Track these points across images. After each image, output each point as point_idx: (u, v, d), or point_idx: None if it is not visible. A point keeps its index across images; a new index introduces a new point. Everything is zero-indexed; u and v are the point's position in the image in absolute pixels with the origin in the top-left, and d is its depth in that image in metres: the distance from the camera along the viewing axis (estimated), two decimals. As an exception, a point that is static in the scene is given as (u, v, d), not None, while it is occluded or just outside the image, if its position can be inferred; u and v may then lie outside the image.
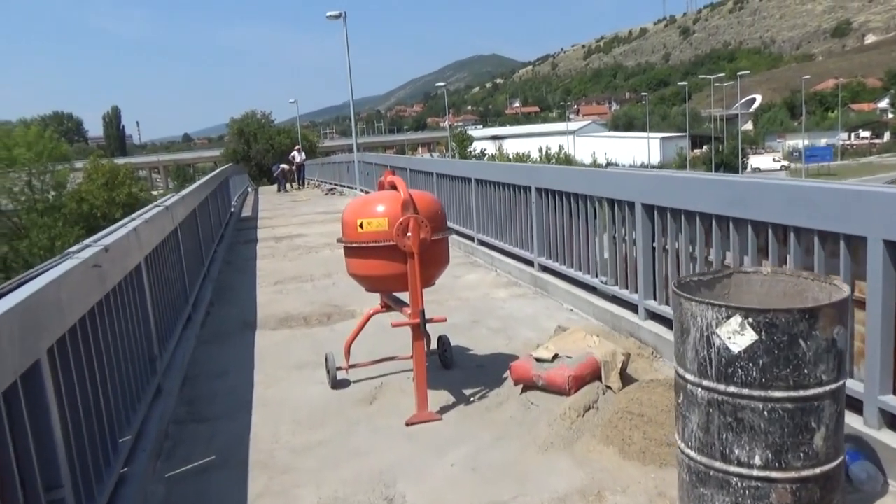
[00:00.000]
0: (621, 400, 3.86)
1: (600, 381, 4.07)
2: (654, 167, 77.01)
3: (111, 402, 3.34)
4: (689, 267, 4.67)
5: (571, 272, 6.49)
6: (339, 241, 4.43)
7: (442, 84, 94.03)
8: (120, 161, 59.41)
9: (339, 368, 4.84)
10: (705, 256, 4.52)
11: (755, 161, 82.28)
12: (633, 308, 5.41)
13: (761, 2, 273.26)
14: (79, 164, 47.43)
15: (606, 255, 5.82)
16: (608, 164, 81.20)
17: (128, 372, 3.74)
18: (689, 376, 2.73)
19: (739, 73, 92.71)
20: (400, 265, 4.14)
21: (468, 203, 9.34)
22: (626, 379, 4.17)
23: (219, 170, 18.14)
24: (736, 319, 2.54)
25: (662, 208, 4.91)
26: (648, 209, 5.07)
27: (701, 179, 4.56)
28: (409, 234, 4.08)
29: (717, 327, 2.59)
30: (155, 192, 57.12)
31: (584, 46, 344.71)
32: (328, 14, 23.63)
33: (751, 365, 2.54)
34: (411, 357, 4.36)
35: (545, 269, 7.10)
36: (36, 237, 38.70)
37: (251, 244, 12.59)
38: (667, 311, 4.94)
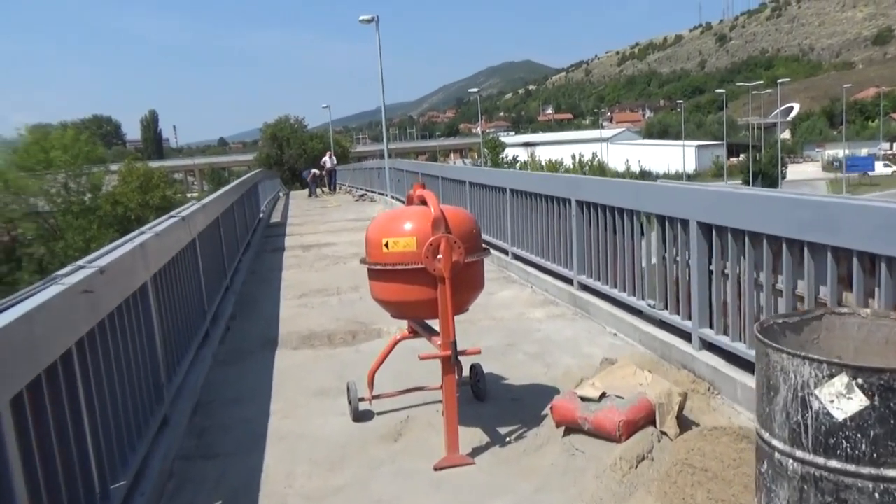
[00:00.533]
0: (680, 450, 3.38)
1: (654, 425, 3.60)
2: (689, 176, 75.73)
3: (102, 445, 2.95)
4: (752, 295, 4.17)
5: (615, 293, 6.01)
6: (362, 261, 4.02)
7: (475, 90, 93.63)
8: (155, 164, 59.90)
9: (361, 399, 4.42)
10: (773, 284, 4.02)
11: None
12: (685, 336, 4.92)
13: (800, 9, 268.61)
14: (114, 167, 47.84)
15: (653, 269, 5.34)
16: (642, 172, 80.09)
17: (126, 407, 3.36)
18: (776, 443, 2.26)
19: (780, 81, 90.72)
20: (429, 290, 3.70)
21: (503, 214, 8.89)
22: (682, 422, 3.69)
23: (247, 175, 17.91)
24: (841, 379, 2.07)
25: (722, 228, 4.41)
26: (705, 228, 4.59)
27: (770, 197, 4.06)
28: (439, 255, 3.65)
29: (815, 387, 2.12)
30: (190, 195, 57.43)
31: (618, 53, 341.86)
32: (361, 18, 23.35)
33: (859, 436, 2.06)
34: (441, 388, 3.93)
35: (585, 287, 6.63)
36: (71, 239, 38.99)
37: (278, 253, 12.27)
38: (725, 342, 4.45)
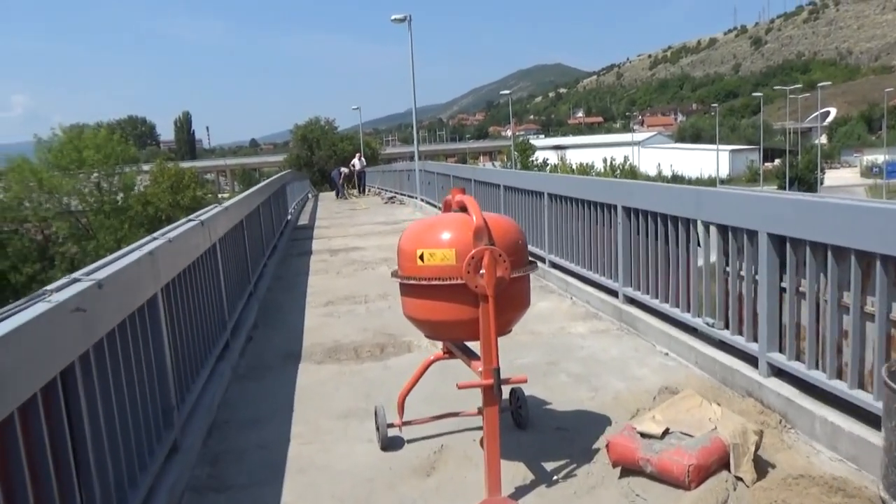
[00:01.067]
0: (761, 501, 2.91)
1: (727, 469, 3.12)
2: (722, 181, 74.35)
3: (95, 484, 2.57)
4: (835, 318, 3.68)
5: (666, 308, 5.53)
6: (394, 274, 3.60)
7: (507, 92, 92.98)
8: (187, 165, 60.18)
9: (390, 425, 4.00)
10: (861, 306, 3.52)
11: None
12: (749, 360, 4.42)
13: (838, 11, 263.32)
14: (146, 167, 48.11)
15: (705, 274, 4.85)
16: (674, 176, 78.90)
17: (126, 437, 2.97)
18: (916, 521, 1.79)
19: (820, 85, 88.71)
20: (469, 309, 3.27)
21: (539, 220, 8.43)
22: (758, 464, 3.22)
23: (275, 177, 17.61)
24: None
25: (799, 241, 3.92)
26: (777, 241, 4.10)
27: (863, 208, 3.57)
28: (482, 270, 3.21)
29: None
30: (222, 196, 57.59)
31: (650, 56, 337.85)
32: (393, 17, 23.03)
33: None
34: (479, 413, 3.50)
35: (632, 301, 6.14)
36: (103, 238, 39.24)
37: (304, 256, 11.92)
38: (799, 368, 3.95)
